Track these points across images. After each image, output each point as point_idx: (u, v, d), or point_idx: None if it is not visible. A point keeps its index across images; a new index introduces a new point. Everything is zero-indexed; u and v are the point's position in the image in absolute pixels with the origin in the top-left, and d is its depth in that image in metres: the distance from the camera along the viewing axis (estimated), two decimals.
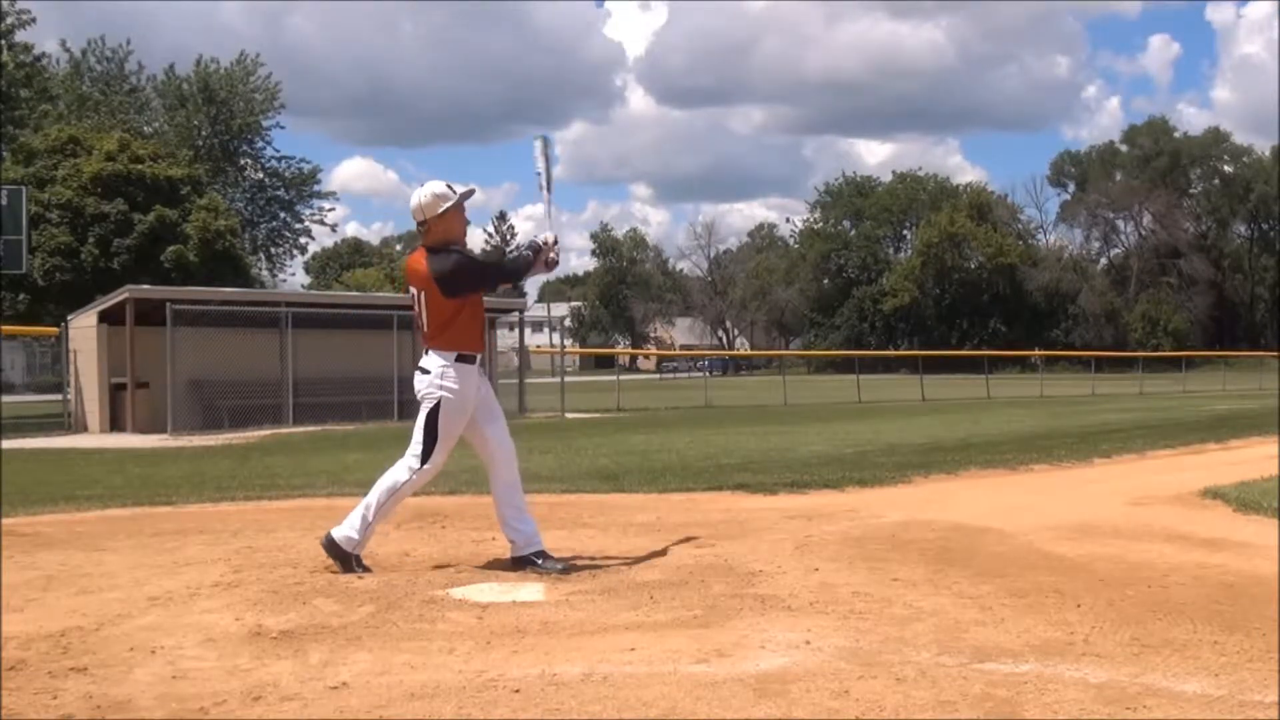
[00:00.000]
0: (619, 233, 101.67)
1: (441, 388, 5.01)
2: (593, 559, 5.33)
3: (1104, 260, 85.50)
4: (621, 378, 32.30)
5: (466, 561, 5.32)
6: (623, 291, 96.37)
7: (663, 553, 5.54)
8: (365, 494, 5.19)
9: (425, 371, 5.06)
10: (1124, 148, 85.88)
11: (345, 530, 5.07)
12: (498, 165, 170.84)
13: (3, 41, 26.91)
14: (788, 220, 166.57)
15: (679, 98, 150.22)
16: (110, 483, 9.49)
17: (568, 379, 26.48)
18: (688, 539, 5.95)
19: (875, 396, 29.96)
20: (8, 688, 3.34)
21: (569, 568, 5.04)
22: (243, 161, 46.72)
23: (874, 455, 11.34)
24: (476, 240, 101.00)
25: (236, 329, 18.31)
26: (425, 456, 5.04)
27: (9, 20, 27.20)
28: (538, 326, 73.32)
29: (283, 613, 4.27)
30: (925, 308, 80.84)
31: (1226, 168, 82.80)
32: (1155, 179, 79.67)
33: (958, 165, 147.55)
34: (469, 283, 5.04)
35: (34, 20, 28.03)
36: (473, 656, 3.65)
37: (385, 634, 3.96)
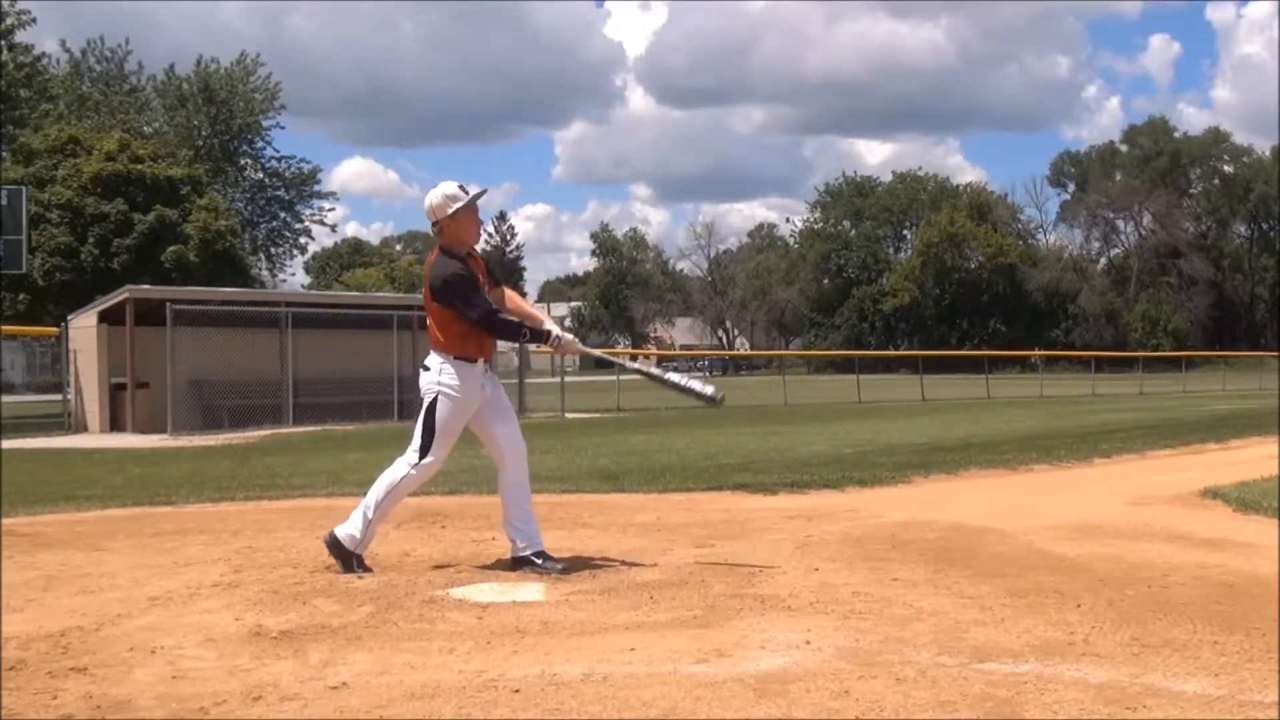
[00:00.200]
0: (619, 233, 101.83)
1: (440, 384, 5.03)
2: (593, 559, 5.33)
3: (1104, 260, 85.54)
4: (621, 378, 32.28)
5: (466, 561, 5.32)
6: (623, 291, 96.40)
7: (663, 553, 5.54)
8: (366, 493, 5.20)
9: (426, 369, 5.11)
10: (1124, 148, 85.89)
11: (348, 529, 5.07)
12: (498, 165, 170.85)
13: (2, 42, 26.88)
14: (788, 220, 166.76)
15: (679, 98, 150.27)
16: (110, 483, 9.49)
17: (568, 379, 26.48)
18: (688, 539, 5.95)
19: (875, 396, 29.96)
20: (8, 688, 3.34)
21: (568, 568, 5.04)
22: (243, 161, 46.75)
23: (874, 455, 11.34)
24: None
25: (236, 329, 18.31)
26: (423, 451, 5.04)
27: (9, 20, 27.19)
28: None
29: (283, 613, 4.27)
30: (925, 308, 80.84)
31: (1226, 168, 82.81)
32: (1155, 179, 79.66)
33: (958, 165, 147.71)
34: (456, 298, 5.03)
35: (34, 20, 28.04)
36: (473, 656, 3.65)
37: (385, 634, 3.96)
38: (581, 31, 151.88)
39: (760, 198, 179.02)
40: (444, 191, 5.05)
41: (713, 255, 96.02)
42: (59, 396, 19.98)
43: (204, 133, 45.04)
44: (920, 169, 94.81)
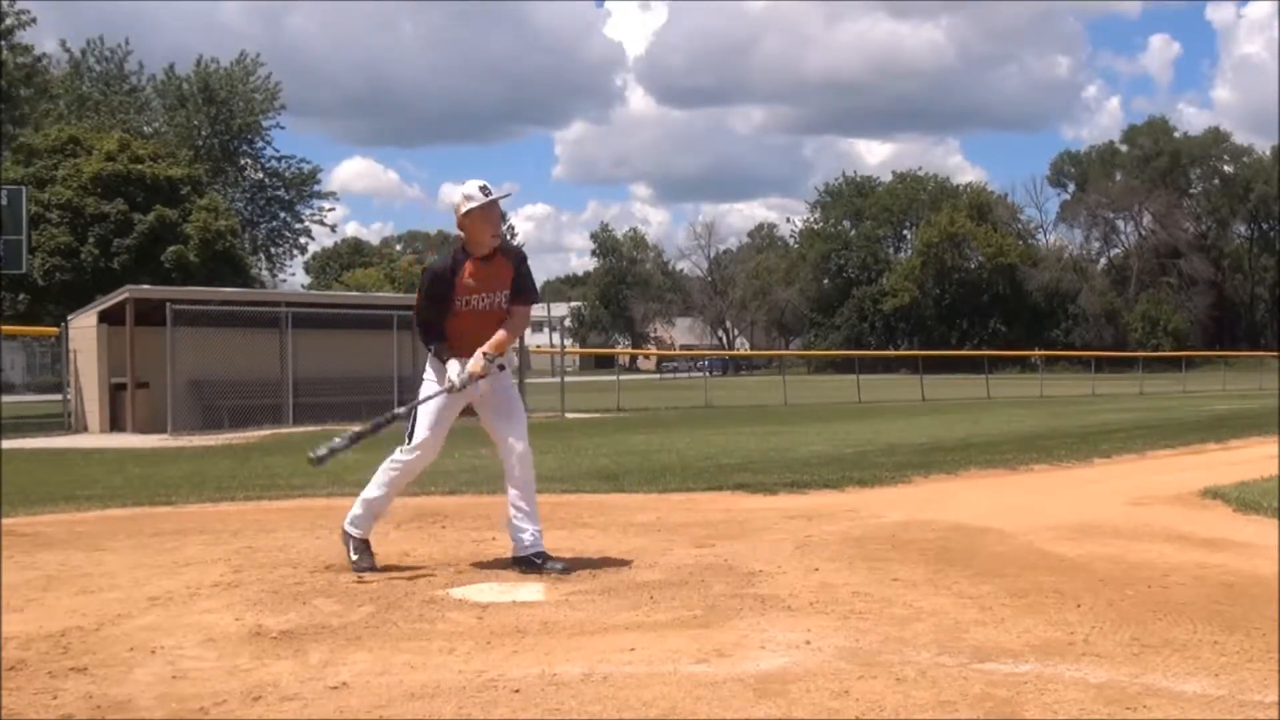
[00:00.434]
0: (619, 233, 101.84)
1: (428, 374, 5.14)
2: (593, 559, 5.33)
3: (1104, 260, 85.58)
4: (621, 378, 32.32)
5: (466, 561, 5.32)
6: (623, 291, 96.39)
7: (663, 553, 5.54)
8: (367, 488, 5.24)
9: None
10: (1124, 148, 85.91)
11: (349, 517, 5.16)
12: (498, 165, 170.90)
13: (2, 42, 26.89)
14: (788, 220, 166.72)
15: (679, 98, 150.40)
16: (110, 483, 9.49)
17: (568, 379, 26.48)
18: (688, 539, 5.95)
19: (875, 396, 29.96)
20: (8, 688, 3.34)
21: (569, 568, 5.04)
22: (243, 161, 46.76)
23: (874, 455, 11.34)
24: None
25: (236, 329, 18.29)
26: (409, 436, 5.09)
27: (9, 20, 27.19)
28: (538, 326, 73.23)
29: (283, 613, 4.27)
30: (925, 308, 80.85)
31: (1226, 168, 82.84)
32: (1155, 179, 79.69)
33: (958, 165, 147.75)
34: (418, 291, 5.19)
35: (34, 20, 28.06)
36: (473, 656, 3.65)
37: (385, 634, 3.96)
38: (581, 31, 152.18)
39: (760, 198, 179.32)
40: (463, 191, 5.06)
41: (713, 255, 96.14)
42: (59, 396, 19.98)
43: (204, 133, 45.05)
44: (920, 169, 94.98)
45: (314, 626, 4.05)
